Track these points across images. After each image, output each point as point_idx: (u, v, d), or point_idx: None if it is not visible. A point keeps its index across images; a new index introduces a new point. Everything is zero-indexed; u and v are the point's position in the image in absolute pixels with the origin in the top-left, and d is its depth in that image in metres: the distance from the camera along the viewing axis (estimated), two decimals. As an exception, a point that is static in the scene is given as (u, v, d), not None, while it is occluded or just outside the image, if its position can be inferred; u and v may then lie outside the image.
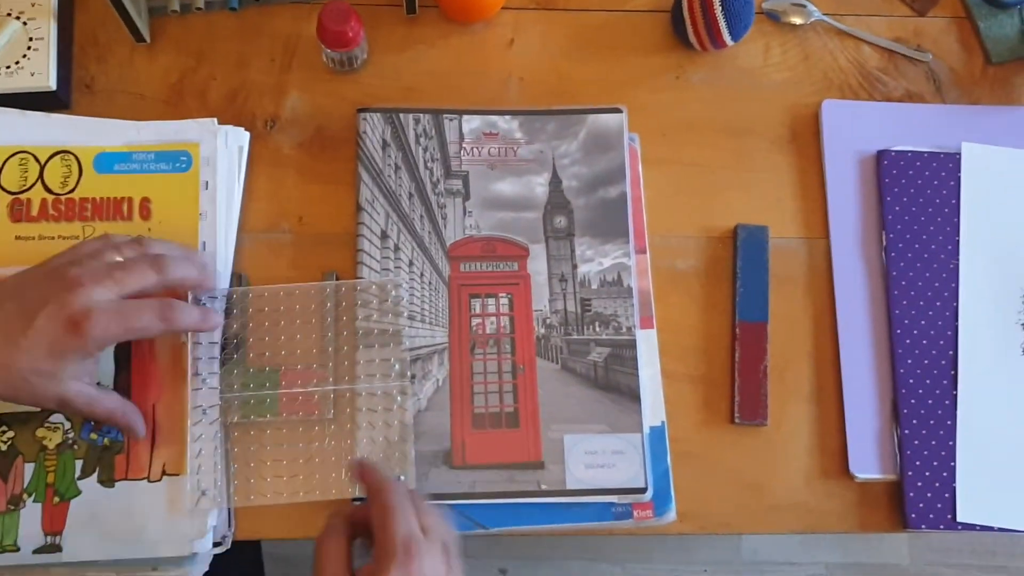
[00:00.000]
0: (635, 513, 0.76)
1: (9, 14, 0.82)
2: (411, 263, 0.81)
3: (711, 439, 0.80)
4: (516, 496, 0.75)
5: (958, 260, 0.83)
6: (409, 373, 0.77)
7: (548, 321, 0.80)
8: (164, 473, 0.74)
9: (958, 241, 0.84)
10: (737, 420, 0.79)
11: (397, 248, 0.81)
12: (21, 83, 0.80)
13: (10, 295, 0.66)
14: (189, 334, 0.76)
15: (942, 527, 0.77)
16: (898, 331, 0.81)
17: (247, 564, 1.06)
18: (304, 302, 0.78)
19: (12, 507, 0.73)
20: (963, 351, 0.81)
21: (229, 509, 0.75)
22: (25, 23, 0.82)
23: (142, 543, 0.72)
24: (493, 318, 0.80)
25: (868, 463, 0.79)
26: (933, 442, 0.79)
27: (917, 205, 0.85)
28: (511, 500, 0.75)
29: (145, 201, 0.80)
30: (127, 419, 0.71)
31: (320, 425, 0.76)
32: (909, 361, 0.81)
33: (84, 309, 0.64)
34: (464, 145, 0.84)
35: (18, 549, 0.72)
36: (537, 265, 0.82)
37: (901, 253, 0.83)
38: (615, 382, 0.79)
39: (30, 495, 0.73)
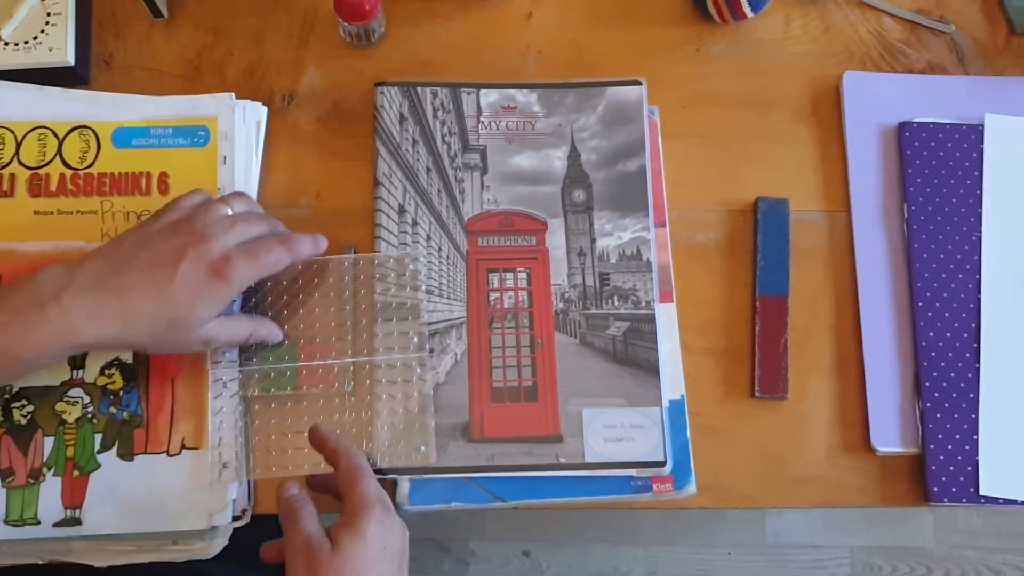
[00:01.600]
0: (654, 487, 0.76)
1: (27, -11, 0.82)
2: (429, 238, 0.80)
3: (731, 413, 0.79)
4: (535, 469, 0.75)
5: (981, 232, 0.82)
6: (428, 346, 0.77)
7: (566, 295, 0.80)
8: (183, 447, 0.74)
9: (981, 213, 0.83)
10: (757, 394, 0.79)
11: (415, 223, 0.81)
12: (39, 58, 0.80)
13: (143, 247, 0.68)
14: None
15: (964, 501, 0.77)
16: (920, 303, 0.80)
17: (268, 538, 1.06)
18: (322, 276, 0.78)
19: (32, 481, 0.73)
20: (986, 323, 0.80)
21: (249, 482, 0.75)
22: (43, -1, 0.82)
23: (162, 516, 0.73)
24: (511, 292, 0.80)
25: (890, 437, 0.79)
26: (955, 415, 0.78)
27: (939, 177, 0.84)
28: (530, 473, 0.75)
29: (163, 176, 0.80)
30: (266, 332, 0.74)
31: (339, 398, 0.76)
32: (931, 334, 0.80)
33: (223, 255, 0.67)
34: (482, 119, 0.84)
35: (39, 522, 0.72)
36: (555, 239, 0.81)
37: (923, 225, 0.82)
38: (634, 356, 0.78)
39: (50, 469, 0.73)
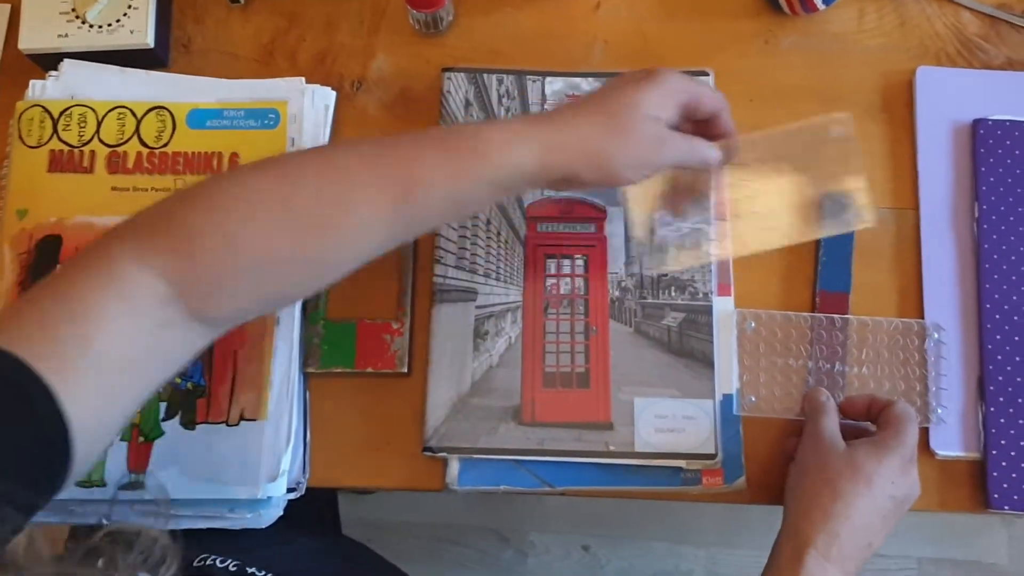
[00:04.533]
0: (704, 480, 0.76)
1: (112, -26, 0.85)
2: (488, 222, 0.81)
3: (785, 359, 0.78)
4: (584, 456, 0.75)
5: (1056, 234, 0.80)
6: (483, 330, 0.78)
7: (623, 284, 0.80)
8: (242, 418, 0.76)
9: (1057, 215, 0.80)
10: (812, 340, 0.78)
11: (475, 207, 0.81)
12: (121, 40, 0.84)
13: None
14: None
15: (1026, 509, 0.75)
16: (987, 305, 0.78)
17: (322, 512, 1.08)
18: (383, 256, 0.79)
19: (101, 444, 0.76)
20: (1057, 328, 0.78)
21: (304, 456, 0.77)
22: (127, -17, 0.85)
23: (219, 484, 0.75)
24: (568, 279, 0.80)
25: (950, 441, 0.77)
26: (1021, 421, 0.76)
27: (1014, 176, 0.81)
28: (579, 459, 0.75)
29: (234, 156, 0.82)
30: (702, 156, 0.72)
31: (395, 379, 0.78)
32: (998, 336, 0.78)
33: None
34: (546, 106, 0.84)
35: (105, 484, 0.75)
36: (614, 228, 0.81)
37: (994, 225, 0.80)
38: (689, 347, 0.78)
39: (117, 434, 0.76)
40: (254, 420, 0.76)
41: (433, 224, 0.73)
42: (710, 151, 0.71)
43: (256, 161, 0.63)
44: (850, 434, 0.73)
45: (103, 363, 0.55)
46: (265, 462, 0.75)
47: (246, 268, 0.60)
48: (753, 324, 0.79)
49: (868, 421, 0.75)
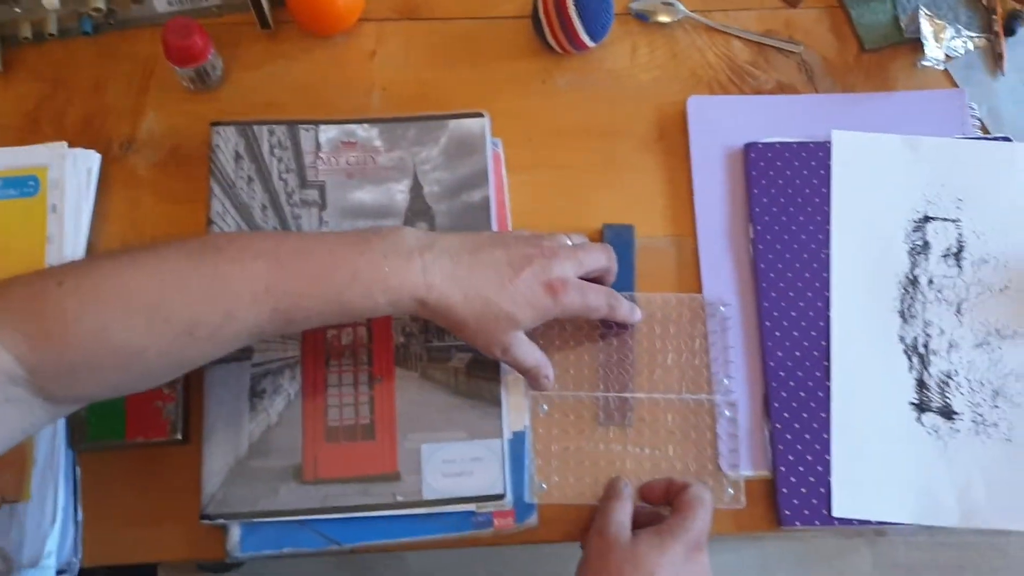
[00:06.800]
0: (496, 521, 0.74)
1: None
2: (265, 277, 0.79)
3: (577, 442, 0.77)
4: (371, 509, 0.73)
5: (829, 249, 0.81)
6: (259, 388, 0.75)
7: (407, 329, 0.78)
8: (3, 500, 0.71)
9: (829, 230, 0.82)
10: (602, 422, 0.77)
11: (252, 263, 0.79)
12: None
13: (497, 243, 0.70)
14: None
15: (817, 523, 0.74)
16: (767, 323, 0.79)
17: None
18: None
19: None
20: (835, 341, 0.79)
21: (76, 536, 0.73)
22: None
23: (-19, 573, 0.70)
24: (349, 329, 0.78)
25: (741, 460, 0.76)
26: (806, 436, 0.76)
27: (786, 196, 0.83)
28: (365, 514, 0.73)
29: (-7, 227, 0.79)
30: (549, 373, 0.74)
31: (171, 447, 0.74)
32: (779, 354, 0.78)
33: (561, 279, 0.70)
34: (321, 155, 0.83)
35: None
36: (396, 273, 0.80)
37: (769, 245, 0.81)
38: (477, 388, 0.77)
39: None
40: (17, 501, 0.71)
41: (313, 326, 0.71)
42: (551, 377, 0.75)
43: (138, 250, 0.63)
44: (645, 520, 0.71)
45: None
46: (28, 545, 0.70)
47: (109, 362, 0.60)
48: (546, 407, 0.78)
49: (668, 504, 0.73)
